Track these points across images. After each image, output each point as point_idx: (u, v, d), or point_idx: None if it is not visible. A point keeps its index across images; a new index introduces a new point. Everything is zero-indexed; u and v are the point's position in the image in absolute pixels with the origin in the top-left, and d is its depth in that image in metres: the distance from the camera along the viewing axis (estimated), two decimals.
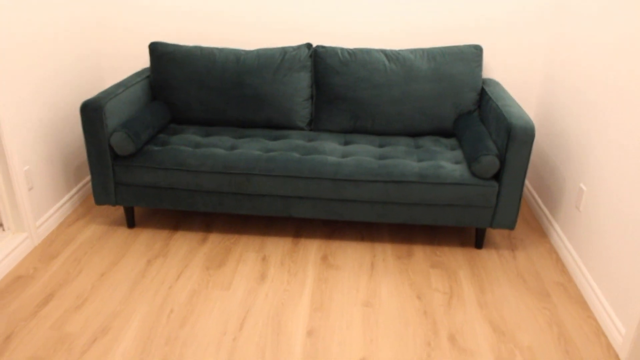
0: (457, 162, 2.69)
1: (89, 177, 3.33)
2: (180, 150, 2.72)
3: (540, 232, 3.02)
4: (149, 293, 2.43)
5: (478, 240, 2.82)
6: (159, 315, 2.29)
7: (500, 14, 3.09)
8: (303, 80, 3.02)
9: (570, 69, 2.81)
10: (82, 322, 2.24)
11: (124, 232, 2.91)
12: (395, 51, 2.98)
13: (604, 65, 2.44)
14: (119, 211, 3.12)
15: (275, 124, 3.06)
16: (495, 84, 3.06)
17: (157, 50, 3.07)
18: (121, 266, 2.62)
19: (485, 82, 3.11)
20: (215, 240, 2.86)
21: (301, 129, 3.08)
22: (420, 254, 2.78)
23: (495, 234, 2.98)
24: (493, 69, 3.23)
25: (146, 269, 2.61)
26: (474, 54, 2.96)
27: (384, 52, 2.98)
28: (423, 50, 2.98)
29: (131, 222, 2.95)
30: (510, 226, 2.67)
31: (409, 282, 2.55)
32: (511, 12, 3.08)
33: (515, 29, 3.12)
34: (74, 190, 3.15)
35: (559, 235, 2.82)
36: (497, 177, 2.60)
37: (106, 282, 2.50)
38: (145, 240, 2.85)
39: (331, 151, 2.76)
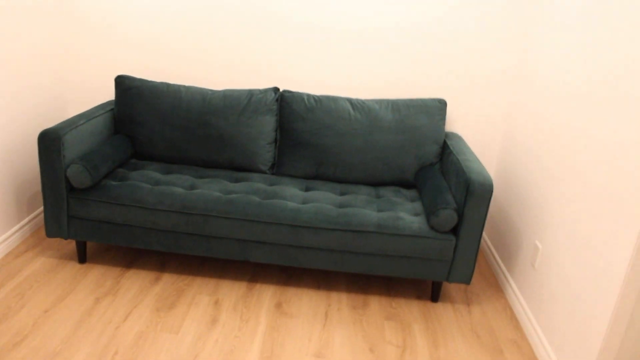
0: (416, 214, 2.69)
1: (42, 208, 3.24)
2: (139, 187, 2.67)
3: (497, 287, 3.03)
4: (94, 333, 2.34)
5: (434, 294, 2.81)
6: (102, 356, 2.20)
7: (464, 71, 3.16)
8: (268, 124, 3.02)
9: (528, 132, 2.88)
10: None
11: (74, 267, 2.82)
12: (361, 100, 3.02)
13: (559, 133, 2.50)
14: (70, 245, 3.03)
15: (238, 166, 3.04)
16: (458, 138, 3.11)
17: (123, 84, 3.05)
18: (67, 303, 2.53)
19: (447, 135, 3.16)
20: (169, 281, 2.79)
21: (263, 172, 3.06)
22: (376, 304, 2.76)
23: (451, 288, 2.98)
24: (456, 123, 3.29)
25: (94, 307, 2.52)
26: (438, 107, 3.02)
27: (349, 100, 3.01)
28: (388, 102, 3.02)
29: (82, 257, 2.86)
30: (466, 281, 2.67)
31: (363, 334, 2.52)
32: (474, 70, 3.16)
33: (478, 87, 3.20)
34: (25, 220, 3.05)
35: (514, 292, 2.83)
36: (455, 231, 2.62)
37: (49, 319, 2.41)
38: (95, 277, 2.76)
39: (291, 197, 2.75)
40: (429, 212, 2.58)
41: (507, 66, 3.14)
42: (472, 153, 2.84)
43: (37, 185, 3.16)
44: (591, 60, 2.29)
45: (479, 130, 3.30)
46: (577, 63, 2.42)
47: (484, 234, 3.49)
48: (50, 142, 2.56)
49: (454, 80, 3.19)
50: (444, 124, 3.02)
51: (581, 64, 2.38)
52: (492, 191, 2.49)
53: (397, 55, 3.15)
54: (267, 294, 2.75)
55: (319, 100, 3.00)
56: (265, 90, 3.05)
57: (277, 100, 3.05)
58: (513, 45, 3.10)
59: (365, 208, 2.71)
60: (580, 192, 2.26)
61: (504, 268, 3.04)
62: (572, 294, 2.23)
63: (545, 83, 2.76)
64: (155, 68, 3.28)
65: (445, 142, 3.06)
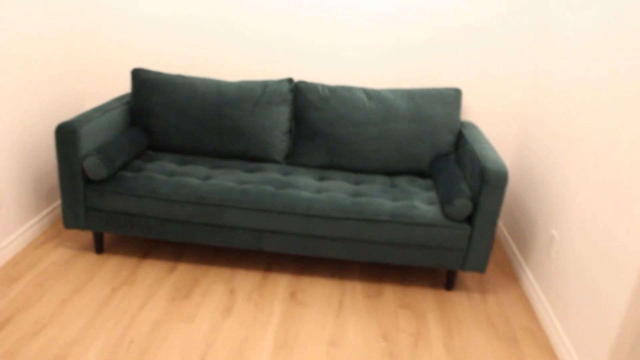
0: (431, 203, 2.68)
1: (60, 200, 3.28)
2: (154, 178, 2.70)
3: (513, 276, 3.01)
4: (110, 322, 2.38)
5: (449, 282, 2.80)
6: (118, 345, 2.24)
7: (480, 57, 3.13)
8: (282, 114, 3.02)
9: (546, 121, 2.84)
10: (36, 350, 2.17)
11: (91, 258, 2.86)
12: (376, 90, 3.01)
13: (584, 110, 2.47)
14: (88, 236, 3.07)
15: (252, 156, 3.06)
16: (473, 127, 3.08)
17: (139, 77, 3.07)
18: (85, 293, 2.57)
19: (463, 124, 3.13)
20: (184, 270, 2.81)
21: (278, 162, 3.07)
22: (390, 293, 2.75)
23: (467, 277, 2.96)
24: (472, 112, 3.26)
25: (110, 296, 2.55)
26: (453, 96, 2.99)
27: (364, 90, 3.00)
28: (403, 91, 3.01)
29: (100, 248, 2.90)
30: (481, 269, 2.66)
31: (377, 322, 2.52)
32: (491, 55, 3.12)
33: (495, 71, 3.16)
34: (45, 212, 3.10)
35: (530, 281, 2.81)
36: (469, 220, 2.60)
37: (67, 309, 2.45)
38: (112, 267, 2.80)
39: (305, 186, 2.75)
40: (444, 201, 2.57)
41: (525, 46, 3.10)
42: (487, 142, 2.82)
43: (56, 178, 3.21)
44: (614, 45, 2.25)
45: (496, 120, 3.27)
46: (598, 48, 2.38)
47: (500, 223, 3.46)
48: (66, 135, 2.59)
49: (470, 70, 3.16)
50: (459, 113, 3.00)
51: (605, 49, 2.34)
52: (507, 179, 2.47)
53: (412, 44, 3.13)
54: (281, 283, 2.76)
55: (334, 90, 3.00)
56: (280, 81, 3.05)
57: (291, 90, 3.06)
58: (531, 36, 3.06)
59: (379, 197, 2.70)
60: (599, 179, 2.23)
61: (520, 257, 3.02)
62: (589, 283, 2.21)
63: (565, 72, 2.72)
64: (172, 60, 3.30)
65: (460, 132, 3.03)
